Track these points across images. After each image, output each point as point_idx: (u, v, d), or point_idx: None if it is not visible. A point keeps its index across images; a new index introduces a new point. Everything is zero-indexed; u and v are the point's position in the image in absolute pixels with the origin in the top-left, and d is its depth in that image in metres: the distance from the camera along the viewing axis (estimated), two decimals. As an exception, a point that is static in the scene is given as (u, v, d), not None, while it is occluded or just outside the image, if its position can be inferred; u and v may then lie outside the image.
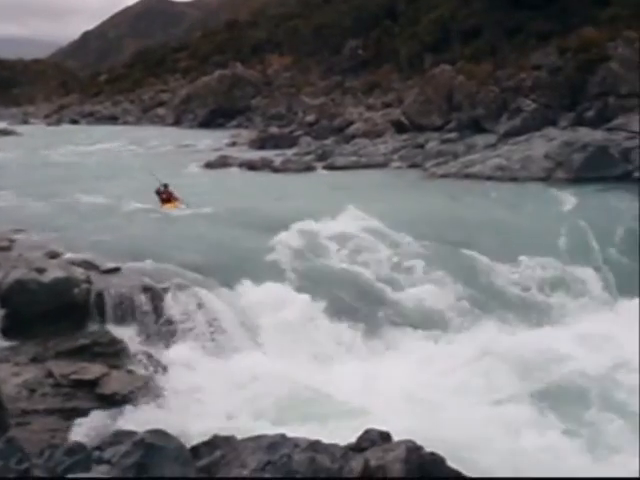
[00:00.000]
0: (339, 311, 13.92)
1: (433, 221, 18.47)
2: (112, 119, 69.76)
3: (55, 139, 47.53)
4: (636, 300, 15.02)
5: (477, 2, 45.88)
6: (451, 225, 18.16)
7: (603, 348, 12.70)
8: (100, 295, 12.91)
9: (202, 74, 65.35)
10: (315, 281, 14.84)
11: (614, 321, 14.29)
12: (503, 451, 9.20)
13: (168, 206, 21.15)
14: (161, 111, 66.35)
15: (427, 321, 14.21)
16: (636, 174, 23.13)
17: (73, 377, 11.09)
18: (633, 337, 12.69)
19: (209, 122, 55.87)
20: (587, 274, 16.15)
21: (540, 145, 26.07)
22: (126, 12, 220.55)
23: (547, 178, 23.98)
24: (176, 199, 21.52)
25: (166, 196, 21.55)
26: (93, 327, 12.54)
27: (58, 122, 73.15)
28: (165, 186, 21.80)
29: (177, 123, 59.36)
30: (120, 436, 7.13)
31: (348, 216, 17.91)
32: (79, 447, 6.78)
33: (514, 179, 24.18)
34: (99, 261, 14.30)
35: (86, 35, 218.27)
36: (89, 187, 24.40)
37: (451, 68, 35.66)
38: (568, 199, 20.91)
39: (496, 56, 37.95)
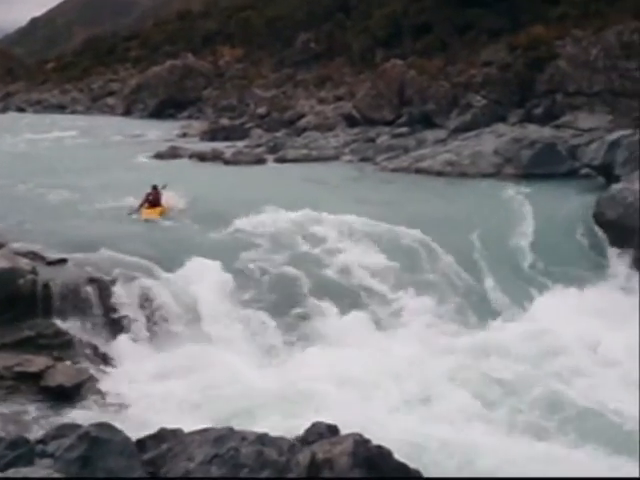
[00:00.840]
0: (284, 303, 13.96)
1: (382, 214, 18.56)
2: (60, 108, 68.59)
3: (1, 127, 46.63)
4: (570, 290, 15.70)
5: (429, -2, 46.16)
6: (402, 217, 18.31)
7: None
8: (46, 286, 12.70)
9: (153, 64, 64.60)
10: (260, 273, 14.87)
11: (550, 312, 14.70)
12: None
13: (149, 212, 18.31)
14: (111, 101, 65.47)
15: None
16: (582, 171, 23.49)
17: (17, 369, 10.92)
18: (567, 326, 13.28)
19: (159, 112, 55.30)
20: (524, 268, 16.75)
21: (489, 141, 26.32)
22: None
23: (496, 174, 24.22)
24: (162, 206, 18.68)
25: (153, 198, 18.71)
26: (38, 319, 12.33)
27: (4, 110, 71.76)
28: (154, 188, 18.90)
29: (127, 113, 58.63)
30: (64, 429, 7.03)
31: (298, 208, 17.95)
32: (22, 441, 6.66)
33: (464, 174, 24.37)
34: (45, 252, 14.07)
35: (34, 22, 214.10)
36: (36, 178, 23.92)
37: (402, 63, 35.78)
38: (515, 194, 21.21)
39: (447, 52, 38.25)
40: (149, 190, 18.88)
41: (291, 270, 15.20)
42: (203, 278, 13.94)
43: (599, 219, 17.99)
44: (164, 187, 19.27)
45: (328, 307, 14.31)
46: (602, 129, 25.69)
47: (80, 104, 68.71)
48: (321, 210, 17.86)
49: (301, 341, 13.32)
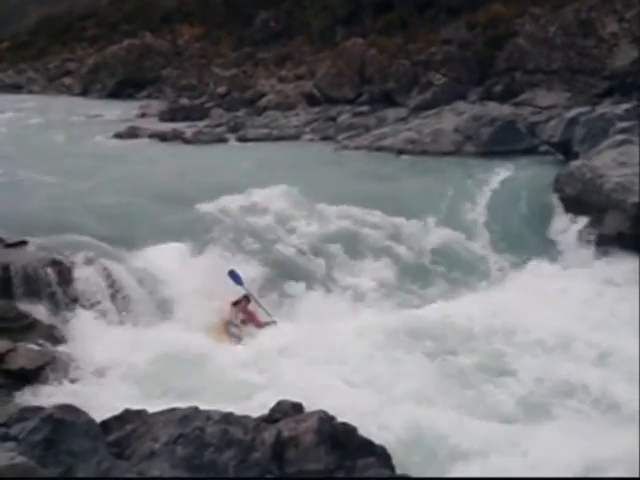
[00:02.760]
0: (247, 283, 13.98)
1: (345, 192, 18.62)
2: (16, 88, 67.34)
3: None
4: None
5: (388, -25, 46.03)
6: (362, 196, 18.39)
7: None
8: (6, 269, 12.51)
9: (110, 43, 63.62)
10: (221, 251, 14.89)
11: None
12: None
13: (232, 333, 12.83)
14: (68, 80, 64.43)
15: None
16: (542, 148, 23.71)
17: (-23, 353, 10.78)
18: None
19: (118, 92, 54.54)
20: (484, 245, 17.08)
21: (450, 119, 26.42)
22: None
23: (457, 151, 24.34)
24: (259, 321, 13.23)
25: (244, 313, 13.24)
26: (-2, 302, 12.19)
27: (-43, 90, 70.40)
28: (246, 298, 13.46)
29: (85, 93, 57.73)
30: (27, 412, 7.01)
31: (261, 187, 17.96)
32: (-16, 424, 6.63)
33: (424, 152, 24.47)
34: (4, 234, 13.87)
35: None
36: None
37: (363, 41, 35.72)
38: (474, 172, 21.40)
39: (407, 30, 38.22)
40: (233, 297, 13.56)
41: (252, 249, 15.31)
42: (167, 259, 13.91)
43: (559, 195, 18.21)
44: (247, 297, 13.54)
45: (292, 285, 14.50)
46: (560, 106, 25.95)
47: (36, 84, 67.56)
48: (285, 190, 17.88)
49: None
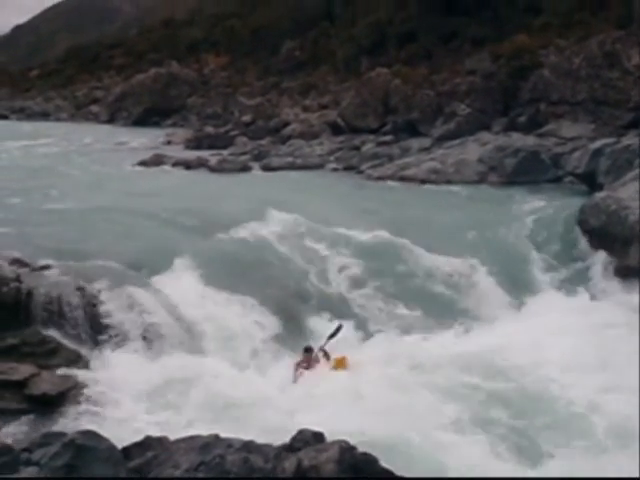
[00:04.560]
0: (273, 311, 13.98)
1: (372, 221, 18.62)
2: (44, 115, 68.30)
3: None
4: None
5: (413, 6, 46.37)
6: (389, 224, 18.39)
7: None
8: (30, 294, 12.59)
9: (137, 72, 64.51)
10: (249, 281, 14.86)
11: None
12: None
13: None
14: (95, 108, 65.26)
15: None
16: (566, 179, 23.64)
17: (1, 377, 10.84)
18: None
19: (144, 120, 55.17)
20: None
21: (474, 149, 26.44)
22: (59, 6, 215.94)
23: (480, 182, 24.34)
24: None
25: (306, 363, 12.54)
26: (22, 326, 12.23)
27: (-14, 118, 71.32)
28: (308, 350, 12.73)
29: (111, 121, 58.47)
30: (49, 437, 7.00)
31: (285, 217, 17.99)
32: (6, 449, 6.64)
33: (448, 182, 24.46)
34: (30, 259, 13.97)
35: (17, 29, 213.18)
36: (21, 184, 23.82)
37: (387, 71, 35.91)
38: (499, 202, 21.33)
39: (431, 60, 38.46)
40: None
41: (276, 277, 15.29)
42: (190, 285, 13.94)
43: (583, 226, 18.10)
44: (309, 349, 12.78)
45: (312, 313, 14.48)
46: (585, 137, 25.87)
47: (64, 111, 68.47)
48: (307, 219, 17.90)
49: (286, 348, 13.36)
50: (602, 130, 26.64)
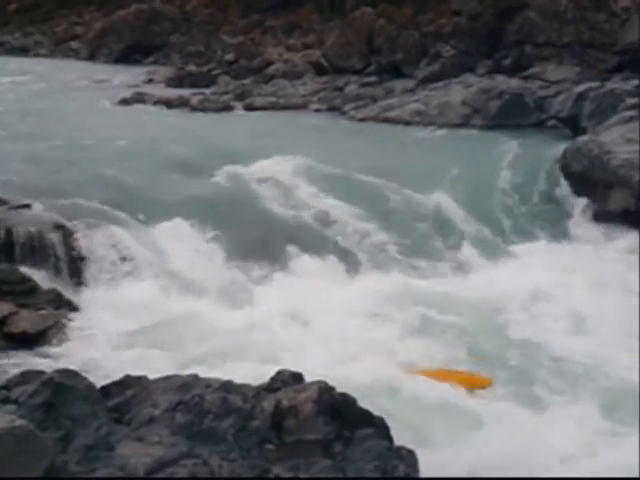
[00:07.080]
0: (254, 249, 13.99)
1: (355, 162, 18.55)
2: (23, 51, 66.99)
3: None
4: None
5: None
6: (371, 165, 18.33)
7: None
8: (9, 232, 12.52)
9: (118, 7, 63.10)
10: (231, 221, 14.86)
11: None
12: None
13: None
14: (75, 44, 64.04)
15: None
16: (549, 123, 23.57)
17: (-21, 316, 10.83)
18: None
19: (125, 58, 54.16)
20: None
21: (458, 92, 26.24)
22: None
23: (464, 124, 24.22)
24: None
25: None
26: (1, 265, 12.18)
27: (-37, 52, 70.05)
28: None
29: (91, 57, 57.35)
30: (28, 376, 7.04)
31: (266, 158, 17.91)
32: (-16, 387, 6.66)
33: (431, 124, 24.34)
34: (9, 197, 13.86)
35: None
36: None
37: (372, 11, 35.36)
38: (485, 144, 21.31)
39: (417, 0, 37.87)
40: None
41: (259, 218, 15.35)
42: (174, 225, 13.93)
43: (565, 170, 18.13)
44: None
45: (299, 250, 14.45)
46: (570, 81, 25.71)
47: (43, 47, 67.21)
48: (289, 160, 17.81)
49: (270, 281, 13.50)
50: (587, 73, 26.51)
